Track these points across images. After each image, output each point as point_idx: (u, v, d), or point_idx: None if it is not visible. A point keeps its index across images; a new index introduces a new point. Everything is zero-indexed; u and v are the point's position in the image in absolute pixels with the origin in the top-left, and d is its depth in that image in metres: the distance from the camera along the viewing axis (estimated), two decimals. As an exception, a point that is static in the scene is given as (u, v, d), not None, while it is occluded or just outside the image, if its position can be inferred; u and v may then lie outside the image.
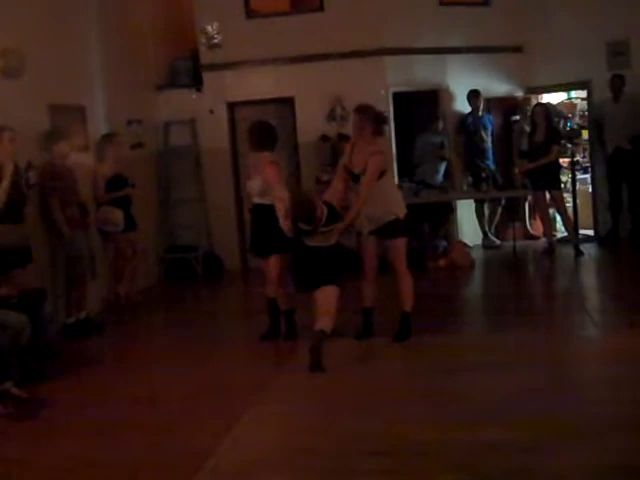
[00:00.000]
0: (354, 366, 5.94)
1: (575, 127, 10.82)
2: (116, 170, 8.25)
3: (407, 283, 6.39)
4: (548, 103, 10.83)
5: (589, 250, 9.95)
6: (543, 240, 10.42)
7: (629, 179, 9.97)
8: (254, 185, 6.63)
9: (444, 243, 10.04)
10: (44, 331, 6.04)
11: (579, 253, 9.54)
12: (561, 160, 11.25)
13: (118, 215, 8.09)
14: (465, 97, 10.44)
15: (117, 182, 8.23)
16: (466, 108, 10.50)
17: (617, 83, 9.93)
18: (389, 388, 5.33)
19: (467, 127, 10.42)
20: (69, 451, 4.59)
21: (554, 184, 9.90)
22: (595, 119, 10.48)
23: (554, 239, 10.20)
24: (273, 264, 6.60)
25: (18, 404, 5.22)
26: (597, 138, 10.43)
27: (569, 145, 10.59)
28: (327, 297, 5.93)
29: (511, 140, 10.87)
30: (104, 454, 4.51)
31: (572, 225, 9.96)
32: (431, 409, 4.85)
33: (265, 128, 6.76)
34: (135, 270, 8.64)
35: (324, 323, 5.84)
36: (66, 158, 7.30)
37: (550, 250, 9.85)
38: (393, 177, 6.46)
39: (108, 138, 8.34)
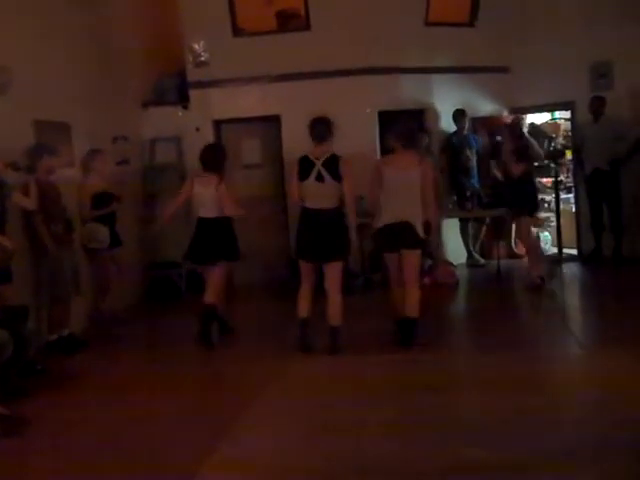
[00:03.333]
0: (339, 382, 5.96)
1: (559, 147, 10.91)
2: (102, 187, 8.24)
3: (408, 294, 6.70)
4: (522, 122, 10.77)
5: (572, 269, 10.02)
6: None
7: (608, 200, 10.04)
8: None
9: (429, 261, 10.07)
10: (27, 348, 6.01)
11: (542, 280, 8.84)
12: (545, 180, 11.39)
13: (104, 232, 8.07)
14: (450, 116, 10.51)
15: (103, 199, 8.21)
16: (451, 127, 10.56)
17: (596, 104, 10.01)
18: (374, 405, 5.32)
19: (452, 146, 10.48)
20: (52, 471, 4.55)
21: (523, 209, 9.00)
22: (576, 140, 10.56)
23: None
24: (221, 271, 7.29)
25: (1, 421, 5.17)
26: (577, 159, 10.51)
27: (552, 165, 10.69)
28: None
29: (496, 159, 10.93)
30: (87, 476, 4.48)
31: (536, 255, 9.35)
32: (415, 427, 4.86)
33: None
34: (119, 287, 8.62)
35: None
36: (51, 173, 7.28)
37: (540, 285, 8.93)
38: (390, 192, 6.73)
39: (94, 154, 8.33)
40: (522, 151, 9.05)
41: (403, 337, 6.72)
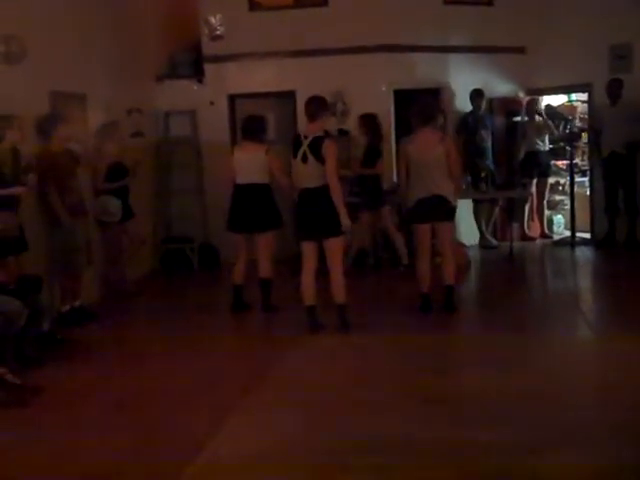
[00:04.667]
0: (345, 362, 5.99)
1: (575, 130, 10.83)
2: (116, 159, 8.25)
3: (444, 263, 7.15)
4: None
5: (585, 253, 9.99)
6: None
7: (624, 183, 9.98)
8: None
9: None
10: (40, 318, 6.05)
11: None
12: (559, 163, 11.34)
13: (115, 205, 8.08)
14: (466, 96, 10.44)
15: (118, 171, 8.23)
16: (467, 107, 10.50)
17: (614, 87, 9.92)
18: (381, 385, 5.32)
19: (467, 126, 10.42)
20: (57, 441, 4.57)
21: (377, 204, 9.19)
22: (593, 122, 10.49)
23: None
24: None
25: (11, 391, 5.21)
26: (594, 142, 10.43)
27: (568, 148, 10.62)
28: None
29: (512, 140, 10.87)
30: (92, 445, 4.50)
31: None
32: (424, 407, 4.86)
33: None
34: (130, 259, 8.66)
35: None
36: (67, 141, 7.28)
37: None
38: (418, 170, 7.05)
39: (110, 126, 8.34)
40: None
41: (445, 304, 7.13)
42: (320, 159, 6.45)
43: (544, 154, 10.90)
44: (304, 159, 6.52)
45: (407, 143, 7.18)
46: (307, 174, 6.53)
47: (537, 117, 10.80)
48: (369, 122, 9.18)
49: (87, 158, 7.79)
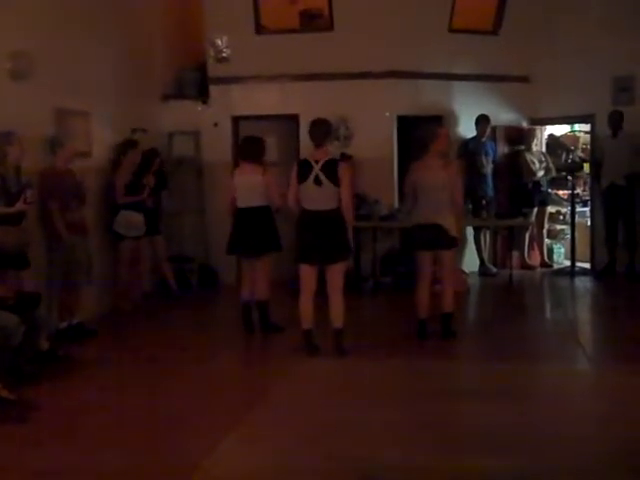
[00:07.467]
0: (342, 386, 5.96)
1: (577, 160, 10.86)
2: (130, 177, 8.55)
3: (444, 291, 7.13)
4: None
5: (585, 283, 9.98)
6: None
7: (624, 215, 10.00)
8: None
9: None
10: (37, 334, 6.04)
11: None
12: (561, 192, 11.36)
13: (139, 220, 8.41)
14: (469, 124, 10.48)
15: (134, 187, 8.51)
16: (470, 135, 10.53)
17: (614, 119, 9.96)
18: (379, 411, 5.30)
19: (468, 151, 10.44)
20: (54, 458, 4.54)
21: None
22: (595, 154, 10.52)
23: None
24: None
25: (6, 406, 5.19)
26: (595, 173, 10.46)
27: (569, 178, 10.64)
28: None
29: (514, 169, 10.89)
30: (89, 463, 4.47)
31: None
32: (421, 434, 4.84)
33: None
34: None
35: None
36: (70, 161, 7.32)
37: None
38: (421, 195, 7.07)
39: (131, 144, 8.58)
40: None
41: (443, 331, 7.14)
42: (335, 182, 6.49)
43: (544, 183, 10.92)
44: (317, 182, 6.51)
45: (414, 169, 7.16)
46: (321, 197, 6.53)
47: (534, 147, 10.83)
48: None
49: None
